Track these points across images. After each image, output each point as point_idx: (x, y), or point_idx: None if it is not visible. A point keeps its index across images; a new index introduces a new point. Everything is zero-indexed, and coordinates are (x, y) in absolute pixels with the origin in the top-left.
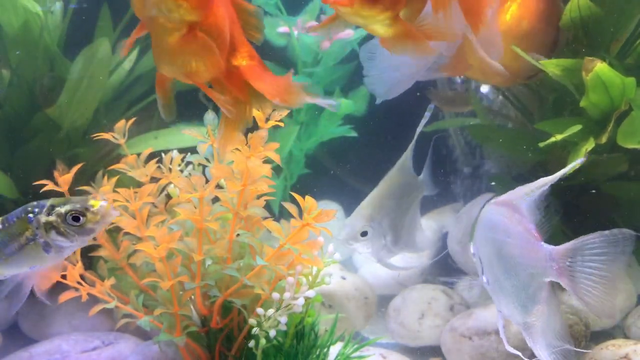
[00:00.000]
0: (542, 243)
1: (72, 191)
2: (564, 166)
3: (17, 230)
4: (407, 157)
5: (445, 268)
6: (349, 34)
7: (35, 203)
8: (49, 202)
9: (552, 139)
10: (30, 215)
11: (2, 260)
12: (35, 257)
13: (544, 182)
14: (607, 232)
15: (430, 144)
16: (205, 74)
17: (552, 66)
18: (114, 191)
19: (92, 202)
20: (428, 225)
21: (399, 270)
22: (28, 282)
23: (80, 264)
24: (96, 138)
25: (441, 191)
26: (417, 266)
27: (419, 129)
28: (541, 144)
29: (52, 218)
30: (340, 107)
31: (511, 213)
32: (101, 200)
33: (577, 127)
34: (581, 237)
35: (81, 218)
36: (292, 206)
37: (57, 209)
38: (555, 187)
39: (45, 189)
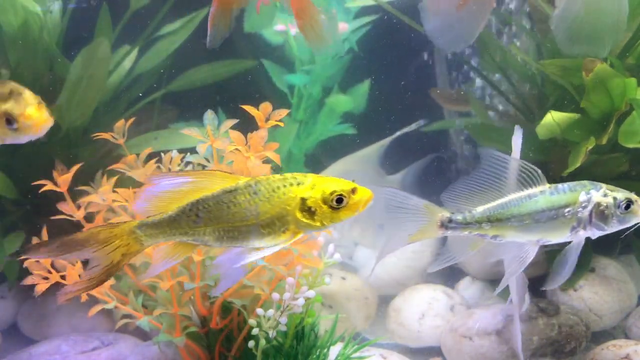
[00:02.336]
0: None
1: (72, 191)
2: (565, 166)
3: (564, 201)
4: (373, 150)
5: (445, 268)
6: (342, 27)
7: (588, 182)
8: (604, 185)
9: (550, 118)
10: (585, 191)
11: (524, 222)
12: (557, 231)
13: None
14: None
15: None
16: None
17: (551, 66)
18: (114, 191)
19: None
20: None
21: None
22: None
23: (79, 264)
24: (96, 138)
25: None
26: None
27: (398, 133)
28: (539, 131)
29: (607, 199)
30: (339, 104)
31: None
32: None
33: (575, 116)
34: None
35: (631, 205)
36: None
37: (613, 193)
38: None
39: (44, 189)
